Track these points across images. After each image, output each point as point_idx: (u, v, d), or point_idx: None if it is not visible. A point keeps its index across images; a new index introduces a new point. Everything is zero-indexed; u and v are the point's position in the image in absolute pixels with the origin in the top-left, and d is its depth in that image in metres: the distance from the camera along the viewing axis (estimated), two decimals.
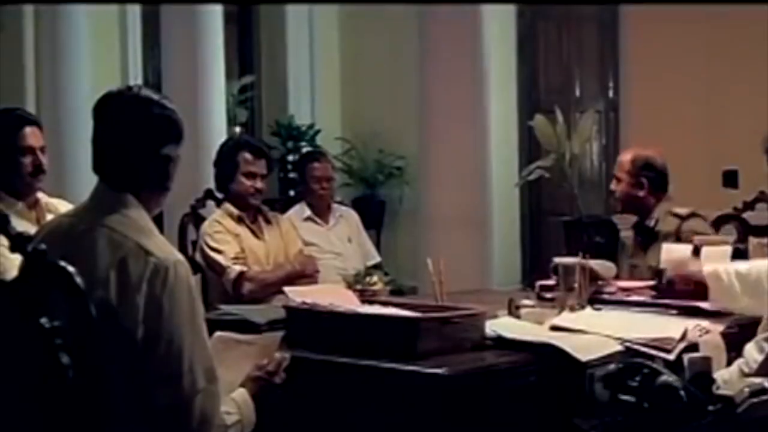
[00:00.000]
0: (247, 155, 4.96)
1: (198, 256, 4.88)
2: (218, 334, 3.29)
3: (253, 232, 4.95)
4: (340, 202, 6.53)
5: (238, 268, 4.77)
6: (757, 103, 6.58)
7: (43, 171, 3.95)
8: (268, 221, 5.05)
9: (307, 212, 6.04)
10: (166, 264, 2.51)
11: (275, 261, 4.94)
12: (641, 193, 4.84)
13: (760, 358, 3.07)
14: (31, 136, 3.95)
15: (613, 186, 4.97)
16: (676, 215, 4.71)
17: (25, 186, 3.96)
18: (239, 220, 4.93)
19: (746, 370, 3.07)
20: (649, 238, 4.78)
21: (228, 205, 4.99)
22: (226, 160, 5.01)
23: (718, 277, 3.65)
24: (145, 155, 2.64)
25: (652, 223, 4.80)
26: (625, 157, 4.96)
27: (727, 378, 3.10)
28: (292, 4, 9.01)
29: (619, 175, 4.90)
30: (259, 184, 4.96)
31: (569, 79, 8.23)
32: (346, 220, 6.23)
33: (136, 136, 2.64)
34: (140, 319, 2.49)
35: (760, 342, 3.09)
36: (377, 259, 6.23)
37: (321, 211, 6.09)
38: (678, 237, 4.59)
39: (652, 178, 4.84)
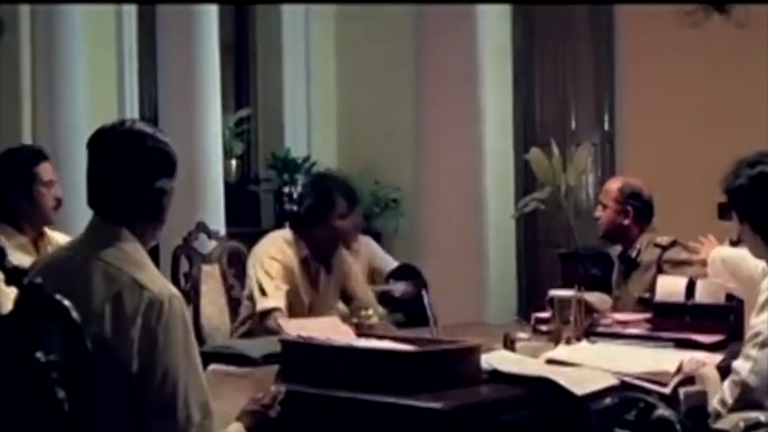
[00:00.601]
0: (343, 202, 4.56)
1: (249, 269, 4.59)
2: (212, 367, 3.28)
3: (309, 279, 4.60)
4: None
5: (277, 302, 4.42)
6: (753, 137, 6.59)
7: (61, 203, 4.21)
8: (329, 270, 4.67)
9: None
10: (161, 298, 2.52)
11: (315, 315, 4.52)
12: (626, 222, 4.85)
13: (748, 365, 3.08)
14: (50, 169, 4.24)
15: (597, 212, 4.97)
16: (658, 245, 4.72)
17: (47, 218, 4.18)
18: (303, 262, 4.56)
19: (737, 378, 3.08)
20: (630, 269, 4.79)
21: (301, 242, 4.57)
22: (320, 199, 4.58)
23: (715, 264, 4.01)
24: (139, 189, 2.65)
25: (634, 253, 4.80)
26: (613, 185, 4.97)
27: (720, 397, 3.11)
28: (289, 37, 9.03)
29: (605, 202, 4.91)
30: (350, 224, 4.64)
31: (565, 112, 8.24)
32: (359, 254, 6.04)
33: (129, 170, 2.65)
34: (135, 353, 2.49)
35: (746, 352, 3.11)
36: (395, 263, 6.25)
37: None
38: (659, 267, 4.61)
39: (639, 207, 4.85)
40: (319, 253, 4.58)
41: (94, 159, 2.69)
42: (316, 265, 4.59)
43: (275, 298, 4.40)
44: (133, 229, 2.65)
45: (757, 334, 3.09)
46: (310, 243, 4.55)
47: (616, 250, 5.08)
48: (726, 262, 3.95)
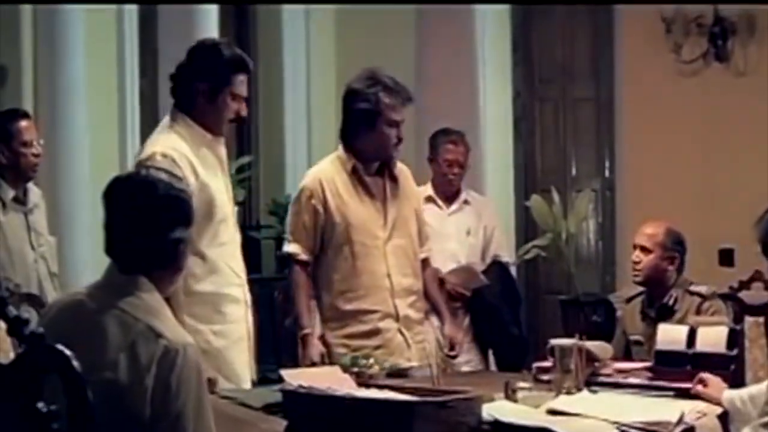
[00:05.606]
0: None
1: None
2: (215, 400, 3.27)
3: (365, 188, 4.47)
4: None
5: (292, 248, 4.59)
6: (754, 182, 6.62)
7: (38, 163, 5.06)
8: (393, 178, 4.48)
9: (430, 192, 5.85)
10: (176, 346, 2.55)
11: (394, 228, 4.44)
12: (670, 268, 4.80)
13: None
14: (31, 129, 4.96)
15: (636, 257, 4.85)
16: (696, 293, 4.69)
17: (27, 175, 4.97)
18: (353, 171, 4.45)
19: None
20: (664, 316, 4.73)
21: (341, 153, 4.47)
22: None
23: (734, 404, 3.53)
24: (154, 238, 2.68)
25: (671, 301, 4.75)
26: (657, 229, 4.88)
27: None
28: (290, 70, 9.09)
29: (648, 246, 4.81)
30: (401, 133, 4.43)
31: (565, 159, 8.26)
32: (474, 210, 6.01)
33: (144, 220, 2.67)
34: (148, 400, 2.52)
35: (757, 428, 3.07)
36: (506, 259, 6.17)
37: (445, 195, 5.90)
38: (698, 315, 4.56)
39: (682, 255, 4.83)
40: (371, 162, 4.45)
41: (110, 209, 2.71)
42: (369, 173, 4.47)
43: (291, 243, 4.63)
44: (150, 276, 2.67)
45: None
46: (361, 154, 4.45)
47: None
48: (758, 399, 3.46)
